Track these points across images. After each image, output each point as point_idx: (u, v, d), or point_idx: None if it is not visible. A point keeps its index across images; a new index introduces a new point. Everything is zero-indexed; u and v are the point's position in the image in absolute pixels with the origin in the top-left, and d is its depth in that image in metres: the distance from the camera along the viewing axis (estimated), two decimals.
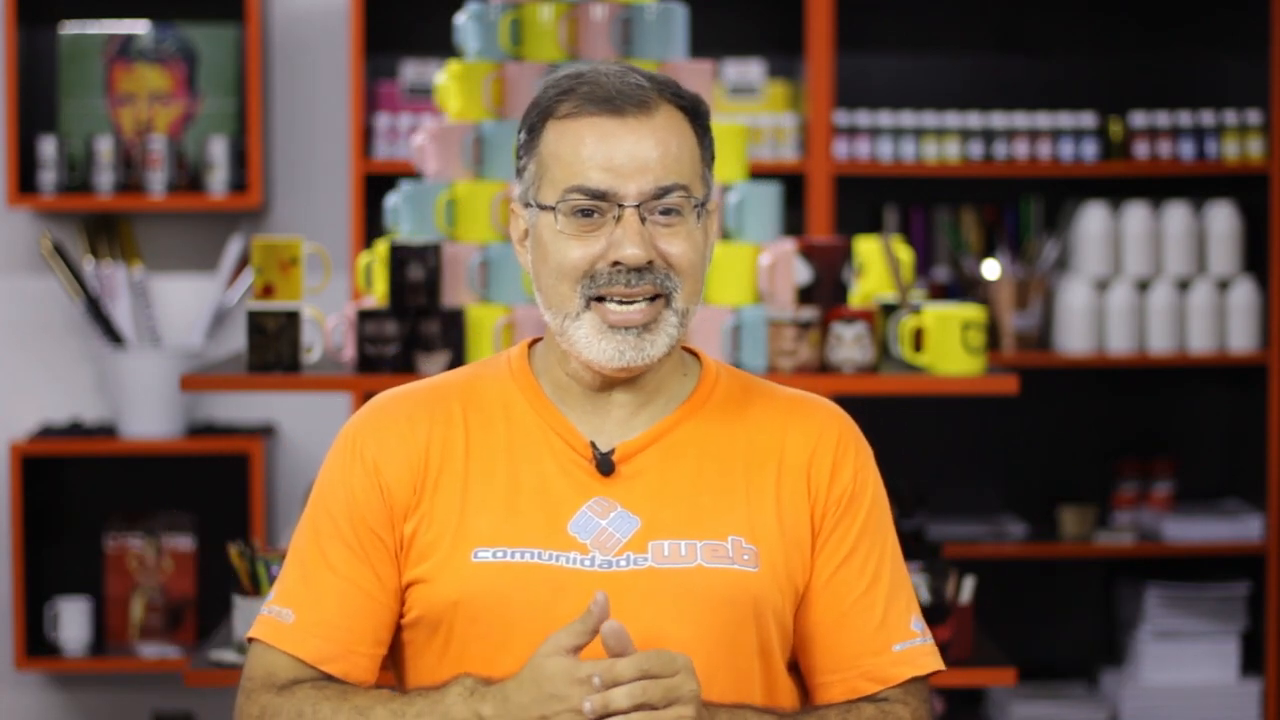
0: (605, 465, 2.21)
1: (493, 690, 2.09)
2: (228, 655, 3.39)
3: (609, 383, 2.24)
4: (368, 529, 2.22)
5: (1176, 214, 5.06)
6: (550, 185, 2.19)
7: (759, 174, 4.59)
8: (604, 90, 2.18)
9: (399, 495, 2.22)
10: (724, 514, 2.21)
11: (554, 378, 2.26)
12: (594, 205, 2.17)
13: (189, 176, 5.02)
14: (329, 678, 2.20)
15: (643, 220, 2.17)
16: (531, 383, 2.27)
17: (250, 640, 2.24)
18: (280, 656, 2.21)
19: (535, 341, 2.32)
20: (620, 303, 2.18)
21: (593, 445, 2.22)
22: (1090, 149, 5.03)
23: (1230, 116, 5.03)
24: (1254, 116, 5.02)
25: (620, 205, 2.17)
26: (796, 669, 2.29)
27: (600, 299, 2.18)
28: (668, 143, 2.18)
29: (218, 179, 4.95)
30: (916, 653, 2.25)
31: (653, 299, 2.18)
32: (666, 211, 2.18)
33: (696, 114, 2.23)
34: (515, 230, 2.27)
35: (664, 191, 2.17)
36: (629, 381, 2.24)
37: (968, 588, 3.44)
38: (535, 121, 2.22)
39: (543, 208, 2.20)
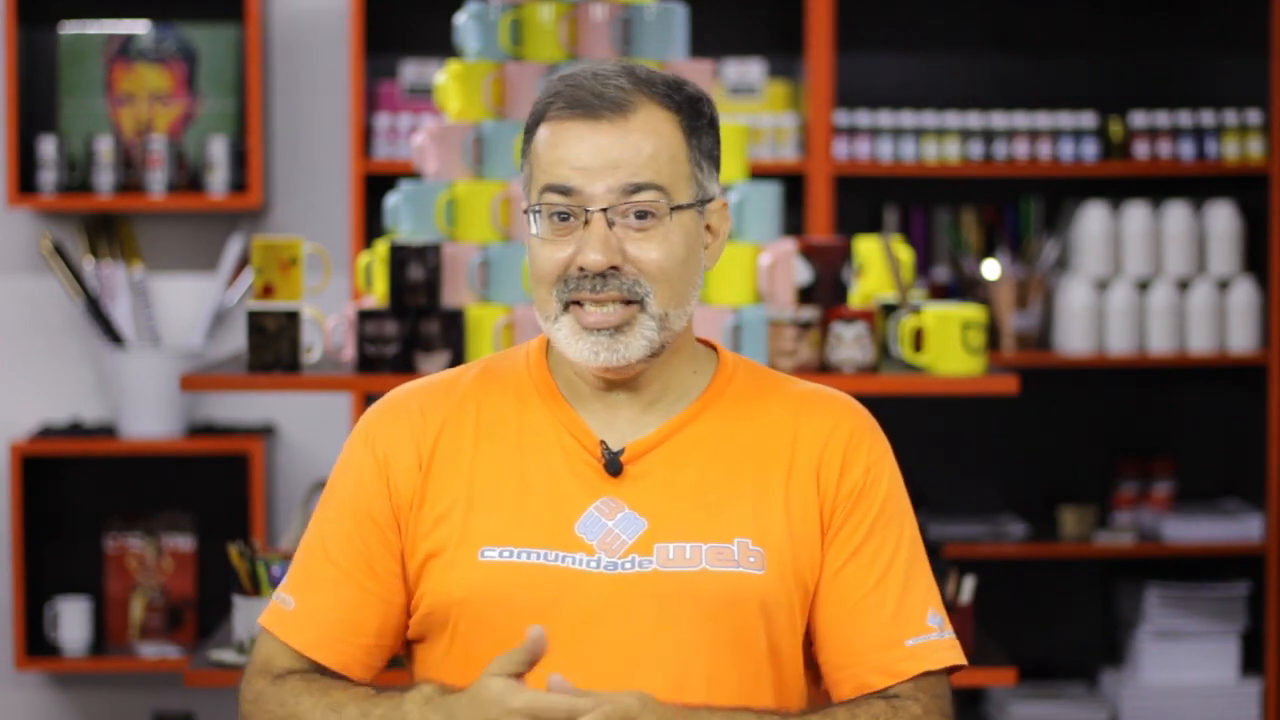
0: (614, 466, 2.21)
1: (444, 703, 2.09)
2: (228, 655, 3.39)
3: (609, 382, 2.24)
4: (370, 521, 2.23)
5: (1176, 214, 5.06)
6: (533, 187, 2.22)
7: (759, 174, 4.59)
8: (582, 93, 2.18)
9: (405, 490, 2.23)
10: (731, 516, 2.21)
11: (566, 374, 2.27)
12: (566, 207, 2.17)
13: (189, 176, 5.02)
14: (321, 668, 2.22)
15: (611, 224, 2.17)
16: (546, 379, 2.27)
17: (262, 626, 2.29)
18: (278, 644, 2.25)
19: None
20: (594, 304, 2.18)
21: (603, 444, 2.22)
22: (1090, 149, 5.03)
23: (1230, 116, 5.03)
24: (1254, 116, 5.02)
25: (587, 210, 2.17)
26: (813, 667, 2.28)
27: (577, 303, 2.19)
28: (641, 144, 2.17)
29: (218, 179, 4.95)
30: (931, 647, 2.22)
31: (626, 303, 2.18)
32: (641, 215, 2.17)
33: (693, 112, 2.22)
34: (526, 232, 2.29)
35: (634, 189, 2.17)
36: (628, 381, 2.24)
37: (968, 588, 3.44)
38: (530, 124, 2.24)
39: (527, 210, 2.22)
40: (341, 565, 2.24)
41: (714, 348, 2.32)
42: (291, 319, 3.39)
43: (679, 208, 2.19)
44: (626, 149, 2.17)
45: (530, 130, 2.23)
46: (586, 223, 2.17)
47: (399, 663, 2.31)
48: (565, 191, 2.17)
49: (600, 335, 2.18)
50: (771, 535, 2.21)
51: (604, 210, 2.16)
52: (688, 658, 2.16)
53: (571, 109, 2.18)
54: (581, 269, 2.17)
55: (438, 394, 2.29)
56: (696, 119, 2.22)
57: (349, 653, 2.23)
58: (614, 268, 2.16)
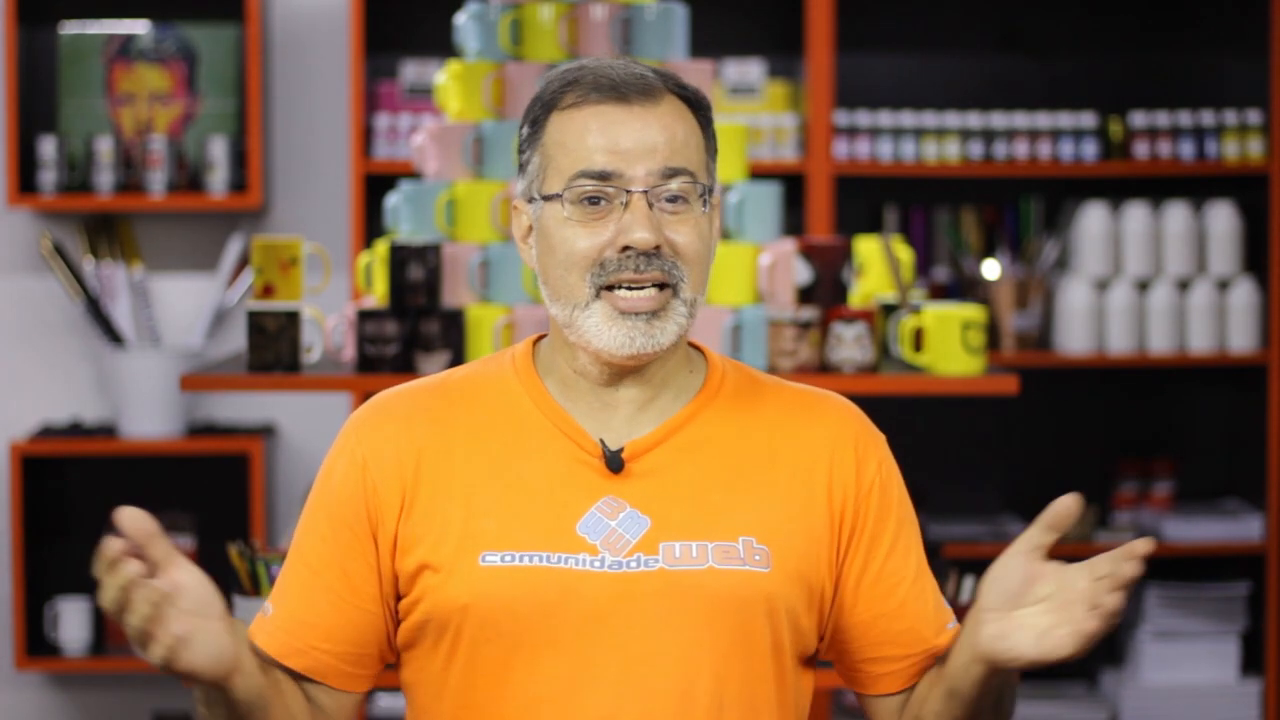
0: (615, 463, 2.19)
1: None
2: None
3: (617, 377, 2.22)
4: (346, 527, 2.21)
5: (1176, 214, 5.06)
6: (555, 174, 2.18)
7: (759, 174, 4.59)
8: (608, 79, 2.18)
9: (385, 496, 2.20)
10: (735, 514, 2.20)
11: (560, 375, 2.25)
12: (601, 191, 2.16)
13: (189, 176, 5.03)
14: (294, 674, 2.20)
15: (650, 206, 2.16)
16: (535, 381, 2.25)
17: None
18: (258, 650, 2.22)
19: (540, 338, 2.31)
20: (630, 288, 2.17)
21: (601, 443, 2.21)
22: (1090, 149, 5.03)
23: (1230, 116, 5.03)
24: (1254, 116, 5.02)
25: (628, 191, 2.16)
26: (806, 664, 2.28)
27: (609, 288, 2.17)
28: (674, 129, 2.18)
29: (218, 179, 4.95)
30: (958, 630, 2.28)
31: (660, 287, 2.17)
32: (673, 199, 2.17)
33: (699, 106, 2.23)
34: (518, 228, 2.26)
35: (671, 174, 2.17)
36: (636, 375, 2.22)
37: (968, 588, 3.45)
38: (538, 115, 2.21)
39: (548, 198, 2.19)
40: (315, 570, 2.21)
41: (700, 349, 2.32)
42: (291, 319, 3.39)
43: (705, 195, 2.20)
44: (662, 133, 2.17)
45: (539, 121, 2.21)
46: (625, 205, 2.16)
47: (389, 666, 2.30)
48: (602, 176, 2.16)
49: (636, 320, 2.16)
50: (775, 533, 2.20)
51: (644, 192, 2.16)
52: (695, 656, 2.16)
53: (600, 94, 2.17)
54: (625, 249, 2.15)
55: (423, 399, 2.26)
56: (703, 112, 2.24)
57: (323, 660, 2.20)
58: (656, 248, 2.16)
